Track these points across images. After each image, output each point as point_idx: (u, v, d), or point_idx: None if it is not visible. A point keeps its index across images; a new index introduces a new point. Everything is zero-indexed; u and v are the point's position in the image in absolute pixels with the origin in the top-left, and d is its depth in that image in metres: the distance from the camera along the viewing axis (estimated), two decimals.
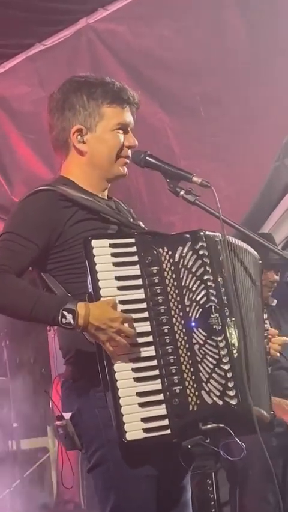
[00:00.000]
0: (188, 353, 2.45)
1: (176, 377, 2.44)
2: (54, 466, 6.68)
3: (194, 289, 2.48)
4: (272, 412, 2.69)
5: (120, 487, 2.50)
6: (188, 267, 2.49)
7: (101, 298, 2.44)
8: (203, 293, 2.48)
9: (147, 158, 2.71)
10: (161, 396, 2.44)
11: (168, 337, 2.46)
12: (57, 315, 2.42)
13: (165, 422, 2.43)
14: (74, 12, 5.13)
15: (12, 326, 6.12)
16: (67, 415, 2.59)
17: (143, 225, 2.78)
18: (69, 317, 2.41)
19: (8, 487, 5.95)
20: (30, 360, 7.61)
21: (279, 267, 4.59)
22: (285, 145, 4.67)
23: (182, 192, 2.67)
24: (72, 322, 2.41)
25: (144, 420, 2.41)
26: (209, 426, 2.45)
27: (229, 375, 2.46)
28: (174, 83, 4.95)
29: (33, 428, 7.10)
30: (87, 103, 2.69)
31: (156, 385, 2.44)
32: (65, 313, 2.41)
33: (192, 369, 2.44)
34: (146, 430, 2.41)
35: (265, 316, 2.75)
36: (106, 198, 2.77)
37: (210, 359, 2.45)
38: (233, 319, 2.53)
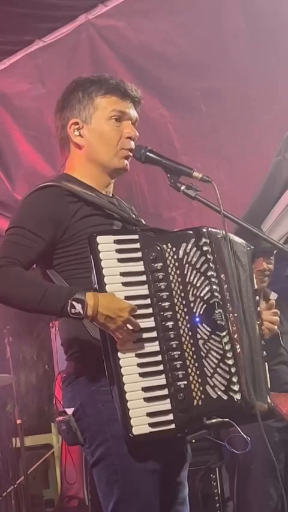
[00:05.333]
0: (193, 348, 2.47)
1: (180, 372, 2.46)
2: (58, 462, 6.70)
3: (198, 285, 2.50)
4: (269, 401, 2.71)
5: (124, 481, 2.52)
6: (192, 263, 2.51)
7: None
8: (207, 289, 2.50)
9: (147, 153, 2.72)
10: (165, 391, 2.46)
11: (172, 332, 2.48)
12: (67, 305, 2.43)
13: (170, 416, 2.45)
14: (74, 8, 5.12)
15: (15, 323, 6.13)
16: (69, 410, 2.60)
17: (144, 223, 2.80)
18: (78, 307, 2.42)
19: (12, 484, 5.96)
20: (33, 357, 7.63)
21: (269, 255, 4.57)
22: (286, 139, 4.65)
23: (182, 187, 2.68)
24: (81, 312, 2.42)
25: (150, 415, 2.43)
26: (213, 420, 2.47)
27: (233, 370, 2.48)
28: (175, 78, 4.94)
29: (37, 425, 7.12)
30: (82, 98, 2.73)
31: (161, 380, 2.47)
32: (74, 303, 2.43)
33: (196, 364, 2.46)
34: (151, 425, 2.43)
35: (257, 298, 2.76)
36: (109, 195, 2.78)
37: (215, 354, 2.47)
38: (235, 314, 2.56)
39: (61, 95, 2.79)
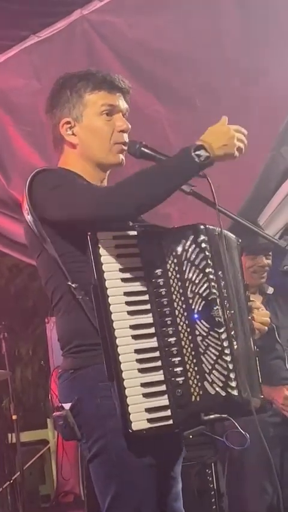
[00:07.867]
0: (191, 345, 2.49)
1: (178, 368, 2.48)
2: (54, 457, 6.71)
3: (196, 281, 2.51)
4: (262, 396, 2.72)
5: (121, 476, 2.52)
6: (191, 260, 2.52)
7: (107, 290, 2.45)
8: (205, 286, 2.51)
9: (142, 149, 2.72)
10: (163, 387, 2.47)
11: (171, 329, 2.49)
12: (194, 158, 2.47)
13: (168, 412, 2.46)
14: (69, 3, 5.11)
15: (11, 318, 6.13)
16: (66, 406, 2.60)
17: (141, 218, 2.79)
18: (202, 152, 2.48)
19: (8, 480, 5.97)
20: (29, 353, 7.64)
21: (269, 251, 4.60)
22: (280, 134, 4.66)
23: None
24: (208, 154, 2.48)
25: (148, 410, 2.44)
26: (211, 416, 2.48)
27: (231, 366, 2.49)
28: (170, 74, 4.93)
29: (33, 421, 7.14)
30: (70, 96, 2.74)
31: (159, 376, 2.48)
32: (198, 152, 2.48)
33: (195, 361, 2.48)
34: (149, 420, 2.44)
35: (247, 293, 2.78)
36: None
37: (213, 351, 2.49)
38: (232, 311, 2.57)
39: (49, 93, 2.79)
